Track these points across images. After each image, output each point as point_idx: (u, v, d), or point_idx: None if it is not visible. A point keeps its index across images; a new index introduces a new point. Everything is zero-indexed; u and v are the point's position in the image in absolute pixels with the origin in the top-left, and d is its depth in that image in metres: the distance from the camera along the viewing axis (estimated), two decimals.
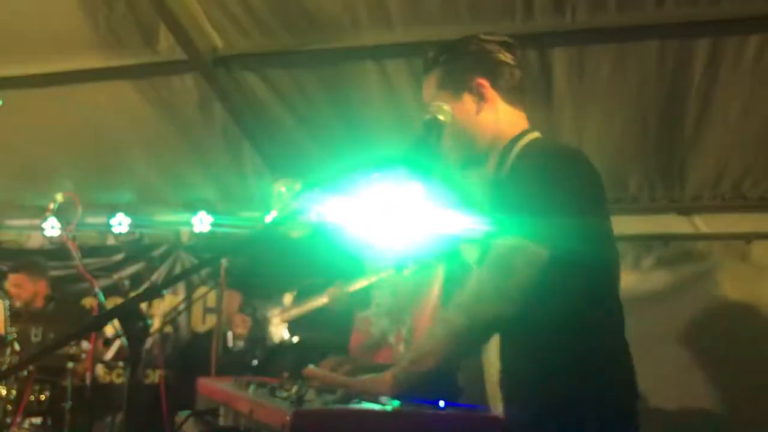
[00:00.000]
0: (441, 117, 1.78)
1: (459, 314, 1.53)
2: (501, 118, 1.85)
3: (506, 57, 1.87)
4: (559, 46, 3.66)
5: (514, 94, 1.88)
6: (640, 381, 1.64)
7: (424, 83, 1.94)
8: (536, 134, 1.85)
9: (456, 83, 1.86)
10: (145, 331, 4.74)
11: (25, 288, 5.26)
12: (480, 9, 3.49)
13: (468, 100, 1.85)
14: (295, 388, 1.58)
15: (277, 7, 3.74)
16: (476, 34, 1.91)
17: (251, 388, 1.85)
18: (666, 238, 4.57)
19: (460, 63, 1.88)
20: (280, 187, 3.83)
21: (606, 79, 3.77)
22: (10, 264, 5.54)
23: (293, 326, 3.68)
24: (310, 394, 1.52)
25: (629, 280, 4.42)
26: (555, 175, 1.63)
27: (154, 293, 3.24)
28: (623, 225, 4.43)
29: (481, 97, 1.84)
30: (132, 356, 4.53)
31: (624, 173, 4.37)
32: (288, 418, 1.25)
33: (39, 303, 5.29)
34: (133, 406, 3.66)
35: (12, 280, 5.28)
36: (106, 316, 1.82)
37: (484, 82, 1.84)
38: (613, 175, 4.28)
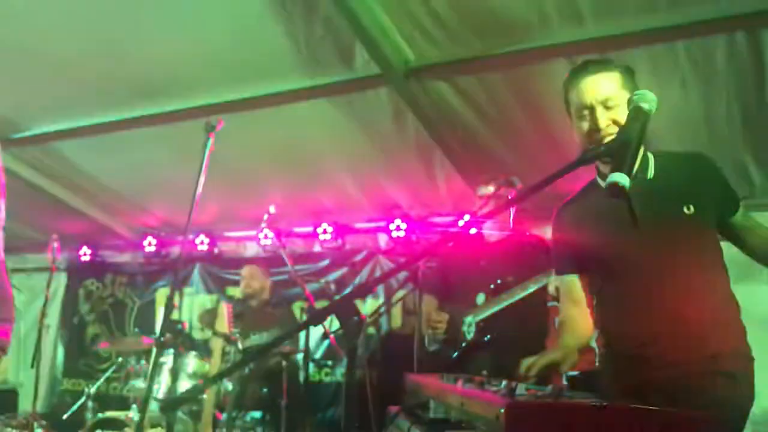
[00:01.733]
0: (645, 105, 1.76)
1: None
2: None
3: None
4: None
5: None
6: None
7: (603, 78, 2.24)
8: None
9: (631, 91, 2.09)
10: (360, 326, 4.97)
11: (257, 279, 5.79)
12: None
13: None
14: (504, 382, 1.62)
15: (465, 13, 3.79)
16: None
17: (460, 382, 1.91)
18: None
19: (633, 77, 2.29)
20: (478, 192, 3.90)
21: None
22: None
23: (486, 325, 3.70)
24: (520, 388, 1.54)
25: None
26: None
27: (365, 291, 3.44)
28: None
29: None
30: (349, 351, 4.78)
31: None
32: (503, 409, 1.28)
33: (265, 297, 5.79)
34: (350, 401, 3.86)
35: (246, 272, 5.84)
36: (323, 313, 1.97)
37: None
38: None
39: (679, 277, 2.14)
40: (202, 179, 3.13)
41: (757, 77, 3.71)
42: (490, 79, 4.22)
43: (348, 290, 6.16)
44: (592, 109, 2.22)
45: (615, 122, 2.19)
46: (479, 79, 4.24)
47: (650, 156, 2.29)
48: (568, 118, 2.37)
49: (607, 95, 2.21)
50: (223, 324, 4.93)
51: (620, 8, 3.51)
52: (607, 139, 2.16)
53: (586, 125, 2.24)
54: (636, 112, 1.76)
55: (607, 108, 2.21)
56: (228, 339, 4.98)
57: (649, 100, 1.77)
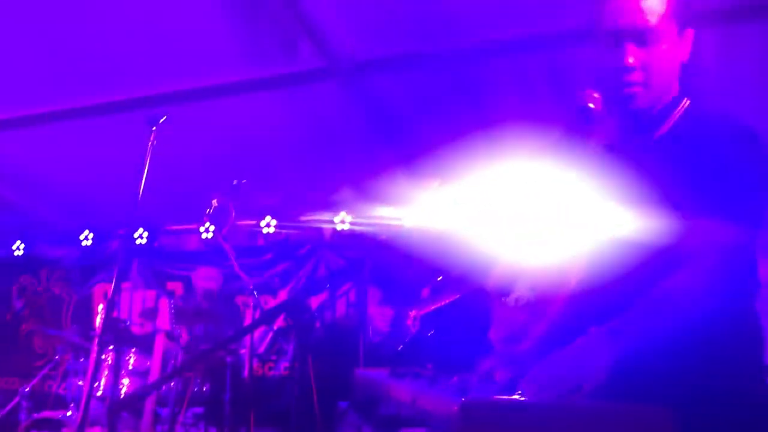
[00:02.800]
0: (591, 105, 1.69)
1: None
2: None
3: None
4: (705, 28, 3.49)
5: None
6: None
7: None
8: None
9: (685, 18, 1.64)
10: (313, 323, 4.95)
11: (216, 280, 5.69)
12: None
13: (684, 43, 1.66)
14: (456, 378, 1.63)
15: (412, 8, 3.80)
16: None
17: (409, 378, 1.91)
18: None
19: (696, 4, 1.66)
20: (420, 187, 3.93)
21: (757, 59, 3.56)
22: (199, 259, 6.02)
23: (429, 319, 3.73)
24: (473, 384, 1.55)
25: None
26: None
27: (319, 287, 3.43)
28: None
29: (688, 48, 1.67)
30: (300, 347, 4.76)
31: None
32: (457, 406, 1.29)
33: (214, 292, 5.70)
34: (302, 395, 3.82)
35: (203, 273, 5.72)
36: (277, 310, 1.93)
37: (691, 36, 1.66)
38: None
39: None
40: (145, 172, 3.06)
41: None
42: (434, 74, 4.24)
43: (296, 287, 6.13)
44: (618, 41, 1.60)
45: (647, 67, 1.59)
46: (424, 74, 4.26)
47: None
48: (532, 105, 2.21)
49: (645, 22, 1.58)
50: (165, 320, 4.82)
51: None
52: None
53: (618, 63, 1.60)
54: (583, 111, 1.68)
55: (642, 42, 1.60)
56: (170, 336, 4.89)
57: (595, 101, 1.71)
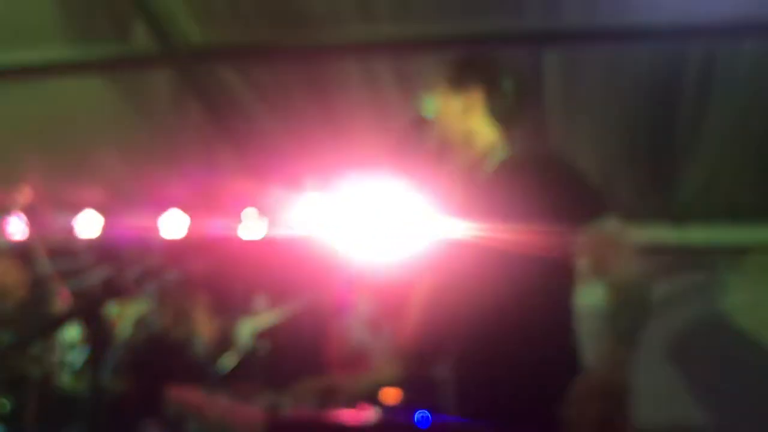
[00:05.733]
0: (426, 114, 1.95)
1: None
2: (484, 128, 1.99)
3: (507, 85, 2.00)
4: (552, 47, 3.58)
5: (501, 117, 2.00)
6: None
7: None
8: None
9: (458, 86, 1.99)
10: (110, 334, 4.58)
11: (9, 275, 5.07)
12: (471, 6, 3.41)
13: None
14: (269, 395, 1.50)
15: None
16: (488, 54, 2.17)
17: (223, 395, 1.75)
18: (657, 249, 4.50)
19: (467, 71, 2.02)
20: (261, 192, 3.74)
21: (598, 84, 3.71)
22: None
23: (264, 334, 3.57)
24: (285, 401, 1.44)
25: None
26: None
27: (119, 294, 3.14)
28: None
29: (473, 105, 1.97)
30: (94, 360, 4.36)
31: (614, 181, 4.31)
32: (262, 423, 1.17)
33: (19, 295, 5.10)
34: (97, 413, 3.48)
35: None
36: (68, 317, 1.71)
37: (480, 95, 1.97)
38: (602, 182, 4.22)
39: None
40: None
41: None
42: (282, 70, 4.07)
43: (96, 291, 5.66)
44: None
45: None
46: (269, 68, 4.09)
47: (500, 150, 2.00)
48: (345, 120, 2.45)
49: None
50: None
51: (416, 12, 3.53)
52: None
53: None
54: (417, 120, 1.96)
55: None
56: None
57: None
